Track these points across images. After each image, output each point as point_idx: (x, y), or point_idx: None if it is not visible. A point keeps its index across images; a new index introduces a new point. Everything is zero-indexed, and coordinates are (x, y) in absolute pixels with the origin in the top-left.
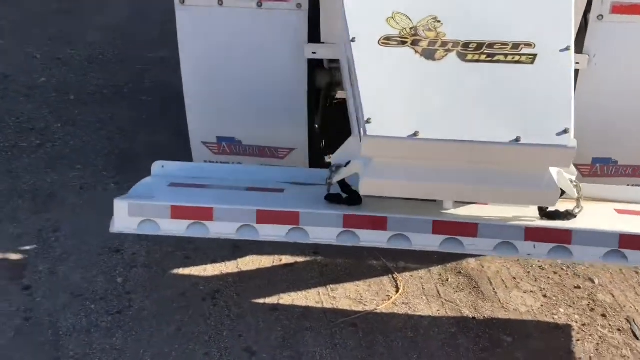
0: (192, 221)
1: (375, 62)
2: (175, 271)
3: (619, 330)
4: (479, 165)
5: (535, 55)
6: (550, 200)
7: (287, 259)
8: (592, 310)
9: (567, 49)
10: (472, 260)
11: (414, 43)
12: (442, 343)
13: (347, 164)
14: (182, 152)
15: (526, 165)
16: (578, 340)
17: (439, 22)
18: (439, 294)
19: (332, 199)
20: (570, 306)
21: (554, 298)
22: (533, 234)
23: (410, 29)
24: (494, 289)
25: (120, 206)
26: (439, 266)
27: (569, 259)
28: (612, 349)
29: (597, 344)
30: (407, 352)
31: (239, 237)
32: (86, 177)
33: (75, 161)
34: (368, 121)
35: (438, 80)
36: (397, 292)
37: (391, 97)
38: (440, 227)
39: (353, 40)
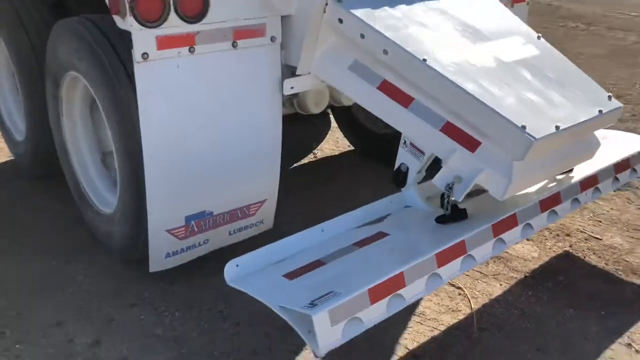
0: (389, 297)
1: (458, 75)
2: None
3: (585, 239)
4: (578, 139)
5: (534, 47)
6: (593, 155)
7: None
8: (557, 235)
9: (540, 37)
10: None
11: (459, 52)
12: (539, 304)
13: (457, 179)
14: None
15: (590, 131)
16: (585, 256)
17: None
18: (483, 273)
19: (446, 220)
20: (547, 239)
21: (534, 239)
22: (584, 185)
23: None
24: (504, 251)
25: (321, 319)
26: None
27: (602, 193)
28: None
29: (586, 253)
30: (540, 332)
31: (428, 292)
32: None
33: None
34: (524, 128)
35: (510, 81)
36: (460, 288)
37: (506, 101)
38: (544, 204)
39: (425, 60)
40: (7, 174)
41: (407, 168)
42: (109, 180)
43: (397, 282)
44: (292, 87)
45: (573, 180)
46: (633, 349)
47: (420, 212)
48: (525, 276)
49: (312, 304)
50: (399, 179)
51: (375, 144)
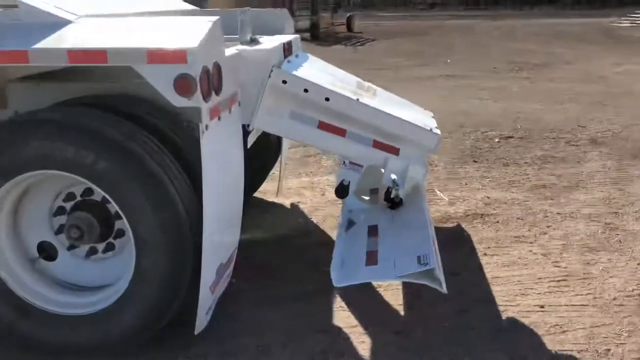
0: (435, 249)
1: (378, 106)
2: None
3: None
4: None
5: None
6: None
7: None
8: None
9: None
10: None
11: (359, 93)
12: None
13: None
14: None
15: None
16: None
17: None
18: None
19: (397, 205)
20: None
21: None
22: None
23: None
24: None
25: (437, 269)
26: None
27: None
28: None
29: None
30: None
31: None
32: None
33: None
34: (431, 129)
35: (395, 107)
36: None
37: (409, 118)
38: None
39: (358, 99)
40: None
41: (349, 182)
42: (55, 282)
43: (434, 240)
44: (249, 142)
45: None
46: None
47: (367, 209)
48: None
49: (422, 264)
50: (342, 192)
51: None
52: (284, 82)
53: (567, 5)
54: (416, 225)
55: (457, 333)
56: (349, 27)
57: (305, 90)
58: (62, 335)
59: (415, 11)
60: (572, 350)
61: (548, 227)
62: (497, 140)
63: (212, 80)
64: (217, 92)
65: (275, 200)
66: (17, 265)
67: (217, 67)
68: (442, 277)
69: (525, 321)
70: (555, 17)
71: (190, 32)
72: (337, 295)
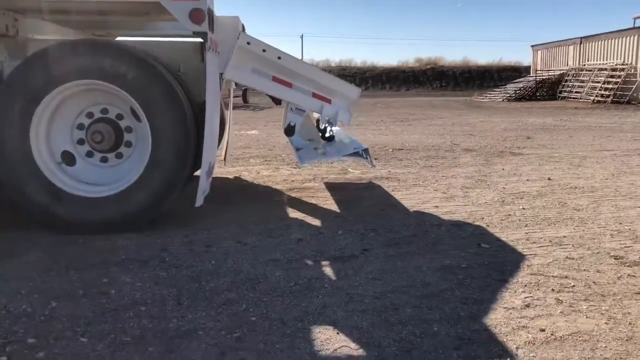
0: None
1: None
2: None
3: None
4: None
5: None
6: None
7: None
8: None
9: None
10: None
11: None
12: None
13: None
14: None
15: None
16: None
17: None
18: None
19: (331, 139)
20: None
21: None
22: None
23: None
24: None
25: (368, 149)
26: None
27: None
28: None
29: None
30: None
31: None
32: None
33: None
34: (354, 85)
35: None
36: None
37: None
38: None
39: (301, 58)
40: None
41: (295, 123)
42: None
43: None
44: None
45: None
46: None
47: (310, 143)
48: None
49: (357, 149)
50: (290, 131)
51: None
52: (248, 43)
53: (435, 88)
54: (347, 142)
55: (380, 216)
56: (244, 99)
57: (264, 50)
58: (88, 214)
59: None
60: (460, 219)
61: (436, 182)
62: (391, 150)
63: (212, 18)
64: (212, 31)
65: (219, 175)
66: (51, 163)
67: (211, 12)
68: (371, 159)
69: (426, 211)
70: (427, 96)
71: None
72: (289, 208)
